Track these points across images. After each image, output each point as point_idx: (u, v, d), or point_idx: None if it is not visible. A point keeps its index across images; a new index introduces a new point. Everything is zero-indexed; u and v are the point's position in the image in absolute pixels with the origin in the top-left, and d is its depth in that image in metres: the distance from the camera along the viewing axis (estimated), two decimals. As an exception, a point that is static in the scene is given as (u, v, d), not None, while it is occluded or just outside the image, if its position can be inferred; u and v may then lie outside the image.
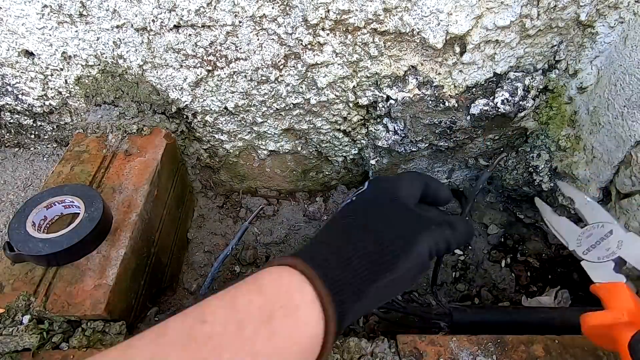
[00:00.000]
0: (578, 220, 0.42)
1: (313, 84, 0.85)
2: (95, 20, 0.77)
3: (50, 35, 0.80)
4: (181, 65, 0.83)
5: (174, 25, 0.76)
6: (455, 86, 0.82)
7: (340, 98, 0.88)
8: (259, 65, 0.82)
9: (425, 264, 0.46)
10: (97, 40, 0.81)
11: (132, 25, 0.77)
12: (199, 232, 1.07)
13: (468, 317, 0.75)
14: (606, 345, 0.38)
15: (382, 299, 0.45)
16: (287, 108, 0.91)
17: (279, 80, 0.85)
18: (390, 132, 0.94)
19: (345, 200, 0.53)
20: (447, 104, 0.84)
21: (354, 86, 0.86)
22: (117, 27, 0.78)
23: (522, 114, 0.84)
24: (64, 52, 0.84)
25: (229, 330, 0.33)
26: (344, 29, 0.75)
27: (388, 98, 0.87)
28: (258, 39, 0.78)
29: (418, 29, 0.74)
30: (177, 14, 0.74)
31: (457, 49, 0.77)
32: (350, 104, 0.90)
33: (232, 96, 0.89)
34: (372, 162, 1.03)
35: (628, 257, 0.40)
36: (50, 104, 0.96)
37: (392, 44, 0.78)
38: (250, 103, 0.90)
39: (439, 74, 0.82)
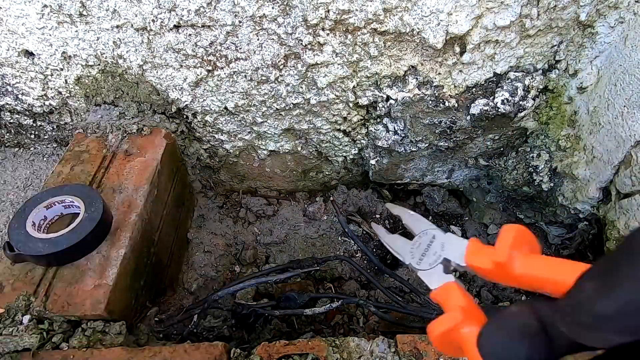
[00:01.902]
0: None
1: (313, 84, 0.85)
2: (95, 20, 0.77)
3: (50, 35, 0.80)
4: (181, 65, 0.83)
5: (174, 25, 0.76)
6: (455, 86, 0.82)
7: (340, 98, 0.88)
8: (259, 65, 0.82)
9: None
10: (97, 40, 0.81)
11: (132, 25, 0.77)
12: (199, 232, 1.07)
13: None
14: (458, 353, 0.37)
15: None
16: (287, 108, 0.91)
17: (279, 80, 0.85)
18: (390, 132, 0.94)
19: None
20: (447, 104, 0.84)
21: (354, 86, 0.86)
22: (117, 27, 0.78)
23: (522, 114, 0.84)
24: (64, 52, 0.84)
25: None
26: (344, 29, 0.75)
27: (388, 98, 0.87)
28: (258, 39, 0.78)
29: (418, 29, 0.74)
30: (177, 14, 0.74)
31: (457, 49, 0.77)
32: (350, 104, 0.90)
33: (232, 96, 0.89)
34: (372, 162, 1.03)
35: (450, 256, 0.42)
36: (50, 104, 0.96)
37: (392, 44, 0.78)
38: (250, 103, 0.90)
39: (439, 74, 0.82)
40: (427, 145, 0.94)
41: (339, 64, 0.81)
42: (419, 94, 0.84)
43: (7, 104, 0.98)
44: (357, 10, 0.71)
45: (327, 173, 1.15)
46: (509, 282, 0.33)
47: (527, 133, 0.92)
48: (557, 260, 0.30)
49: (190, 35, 0.77)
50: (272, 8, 0.72)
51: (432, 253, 0.46)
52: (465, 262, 0.38)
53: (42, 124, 1.04)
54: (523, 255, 0.33)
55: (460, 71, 0.80)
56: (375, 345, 0.61)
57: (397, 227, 1.18)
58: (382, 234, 0.54)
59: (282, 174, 1.14)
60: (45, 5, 0.75)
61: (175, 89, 0.88)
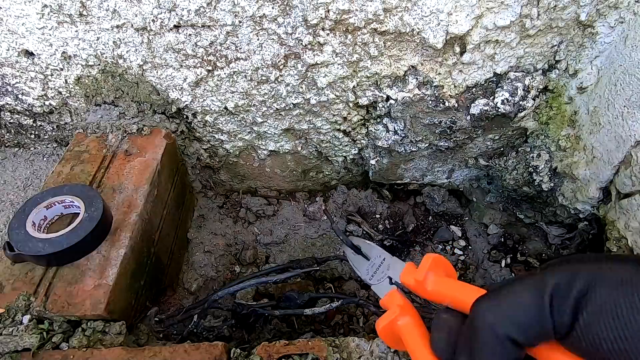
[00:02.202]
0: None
1: (313, 84, 0.85)
2: (95, 20, 0.77)
3: (50, 35, 0.80)
4: (181, 65, 0.83)
5: (174, 25, 0.76)
6: (455, 86, 0.82)
7: (340, 98, 0.88)
8: (259, 65, 0.82)
9: None
10: (97, 40, 0.81)
11: (132, 25, 0.77)
12: (199, 232, 1.07)
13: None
14: (397, 344, 0.49)
15: None
16: (287, 108, 0.91)
17: (279, 80, 0.85)
18: (390, 132, 0.94)
19: None
20: (447, 104, 0.84)
21: (354, 86, 0.86)
22: (117, 27, 0.78)
23: (522, 114, 0.84)
24: (64, 52, 0.84)
25: None
26: (344, 29, 0.75)
27: (388, 98, 0.87)
28: (258, 39, 0.78)
29: (418, 29, 0.74)
30: (177, 14, 0.74)
31: (457, 49, 0.77)
32: (350, 104, 0.90)
33: (232, 96, 0.89)
34: (372, 162, 1.03)
35: (392, 275, 0.58)
36: (50, 104, 0.96)
37: (392, 44, 0.78)
38: (250, 103, 0.90)
39: (439, 74, 0.82)
40: (427, 145, 0.94)
41: (339, 64, 0.81)
42: (419, 94, 0.84)
43: (7, 104, 0.98)
44: (357, 10, 0.71)
45: (327, 173, 1.15)
46: (425, 296, 0.45)
47: (527, 133, 0.92)
48: (461, 284, 0.42)
49: (190, 35, 0.77)
50: (272, 8, 0.72)
51: (381, 271, 0.61)
52: (400, 280, 0.50)
53: (42, 124, 1.04)
54: (436, 277, 0.45)
55: (461, 71, 0.80)
56: (375, 345, 0.61)
57: (397, 227, 1.18)
58: (348, 254, 0.68)
59: (282, 174, 1.14)
60: (45, 5, 0.75)
61: (175, 89, 0.88)
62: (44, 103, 0.96)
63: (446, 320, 0.40)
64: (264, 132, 0.98)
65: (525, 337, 0.32)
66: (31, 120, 1.03)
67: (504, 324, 0.33)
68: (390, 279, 0.58)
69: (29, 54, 0.86)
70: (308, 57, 0.79)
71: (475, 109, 0.83)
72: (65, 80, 0.90)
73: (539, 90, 0.82)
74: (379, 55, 0.79)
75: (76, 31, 0.79)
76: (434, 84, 0.83)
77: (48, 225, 0.72)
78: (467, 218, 1.19)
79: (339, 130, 0.97)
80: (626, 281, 0.29)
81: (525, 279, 0.34)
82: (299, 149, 1.04)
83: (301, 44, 0.77)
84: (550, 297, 0.31)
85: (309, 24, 0.74)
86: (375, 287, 0.60)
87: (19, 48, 0.84)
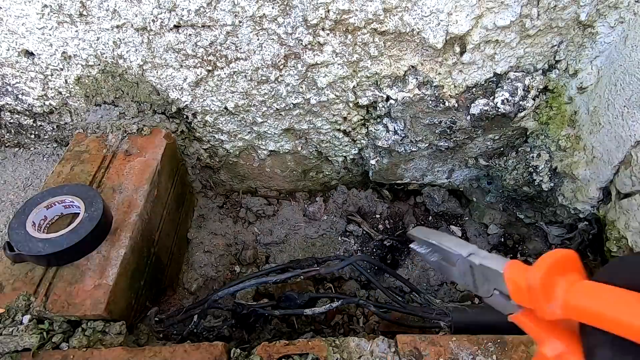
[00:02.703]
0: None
1: (313, 84, 0.85)
2: (95, 20, 0.77)
3: (50, 35, 0.80)
4: (181, 65, 0.83)
5: (174, 25, 0.76)
6: (455, 86, 0.82)
7: (340, 98, 0.88)
8: (259, 65, 0.82)
9: None
10: (97, 40, 0.81)
11: (132, 25, 0.77)
12: (199, 232, 1.07)
13: (468, 317, 0.75)
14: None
15: None
16: (287, 108, 0.91)
17: (279, 80, 0.85)
18: (391, 132, 0.94)
19: None
20: (447, 104, 0.84)
21: (354, 86, 0.86)
22: (117, 27, 0.78)
23: (522, 114, 0.84)
24: (64, 52, 0.84)
25: None
26: (344, 29, 0.75)
27: (388, 98, 0.87)
28: (258, 39, 0.78)
29: (418, 29, 0.74)
30: (177, 14, 0.74)
31: (457, 49, 0.77)
32: (350, 104, 0.90)
33: (232, 96, 0.89)
34: (372, 162, 1.03)
35: (496, 283, 0.41)
36: (50, 104, 0.96)
37: (392, 44, 0.78)
38: (250, 103, 0.90)
39: (439, 74, 0.82)
40: (427, 145, 0.94)
41: (339, 64, 0.81)
42: (419, 94, 0.84)
43: (7, 104, 0.98)
44: (357, 10, 0.71)
45: (327, 173, 1.15)
46: (552, 314, 0.31)
47: (527, 133, 0.92)
48: (620, 293, 0.26)
49: (190, 35, 0.77)
50: (272, 8, 0.72)
51: (479, 277, 0.43)
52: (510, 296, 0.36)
53: (42, 124, 1.04)
54: (568, 284, 0.30)
55: (461, 71, 0.80)
56: (375, 345, 0.61)
57: (397, 227, 1.18)
58: (428, 259, 0.51)
59: (282, 174, 1.14)
60: (45, 5, 0.75)
61: (175, 89, 0.88)
62: (44, 103, 0.96)
63: None
64: (264, 132, 0.98)
65: None
66: (31, 120, 1.03)
67: None
68: (500, 292, 0.41)
69: (29, 54, 0.86)
70: (308, 57, 0.79)
71: (475, 109, 0.83)
72: (65, 80, 0.90)
73: (539, 90, 0.82)
74: (379, 55, 0.79)
75: (76, 31, 0.79)
76: (434, 84, 0.83)
77: (48, 225, 0.72)
78: (467, 218, 1.19)
79: (339, 130, 0.97)
80: None
81: None
82: (299, 149, 1.04)
83: (301, 44, 0.77)
84: None
85: (309, 24, 0.74)
86: (489, 300, 0.44)
87: (19, 48, 0.84)
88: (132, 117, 0.91)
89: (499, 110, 0.82)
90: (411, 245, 0.54)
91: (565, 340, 0.32)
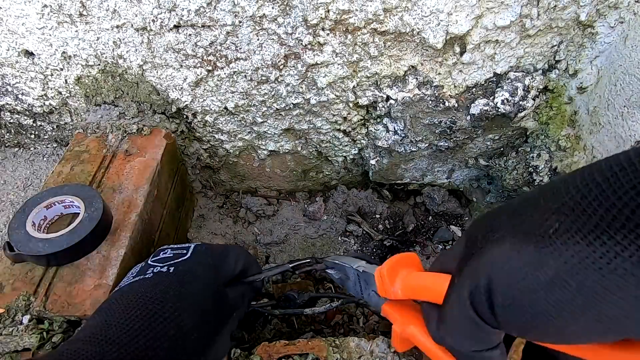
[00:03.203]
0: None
1: (313, 84, 0.85)
2: (95, 20, 0.77)
3: (50, 35, 0.80)
4: (181, 65, 0.83)
5: (174, 25, 0.76)
6: (455, 86, 0.82)
7: (340, 98, 0.88)
8: (259, 65, 0.82)
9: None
10: (97, 40, 0.81)
11: (132, 25, 0.77)
12: (199, 232, 1.07)
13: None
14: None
15: None
16: (287, 108, 0.91)
17: (279, 80, 0.85)
18: (390, 132, 0.94)
19: (157, 265, 0.56)
20: (447, 104, 0.84)
21: (354, 86, 0.86)
22: (117, 27, 0.78)
23: (522, 114, 0.84)
24: (64, 52, 0.84)
25: None
26: (344, 29, 0.75)
27: (388, 98, 0.87)
28: (258, 39, 0.78)
29: (418, 29, 0.74)
30: (177, 14, 0.74)
31: (457, 49, 0.77)
32: (350, 104, 0.90)
33: (232, 96, 0.89)
34: (372, 162, 1.03)
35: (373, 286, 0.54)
36: (50, 104, 0.96)
37: (392, 44, 0.78)
38: (250, 103, 0.90)
39: (439, 74, 0.82)
40: (427, 145, 0.94)
41: (339, 64, 0.81)
42: (419, 94, 0.84)
43: (7, 104, 0.98)
44: (357, 10, 0.71)
45: (327, 173, 1.15)
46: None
47: (527, 133, 0.92)
48: (428, 274, 0.40)
49: (190, 35, 0.77)
50: (272, 8, 0.72)
51: (364, 285, 0.55)
52: (380, 294, 0.48)
53: (42, 124, 1.04)
54: (403, 280, 0.43)
55: (460, 71, 0.80)
56: (375, 345, 0.61)
57: (396, 227, 1.18)
58: (334, 277, 0.63)
59: (282, 174, 1.14)
60: (45, 5, 0.75)
61: (175, 89, 0.88)
62: (44, 103, 0.96)
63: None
64: (264, 132, 0.98)
65: (479, 345, 0.36)
66: (31, 120, 1.03)
67: (456, 342, 0.37)
68: (374, 291, 0.54)
69: (29, 54, 0.86)
70: (308, 57, 0.79)
71: (475, 109, 0.83)
72: (65, 80, 0.90)
73: (539, 90, 0.82)
74: (379, 55, 0.79)
75: (76, 31, 0.79)
76: (434, 84, 0.83)
77: (48, 225, 0.72)
78: (467, 218, 1.19)
79: (339, 130, 0.97)
80: (518, 268, 0.30)
81: (452, 292, 0.36)
82: (299, 149, 1.04)
83: (301, 44, 0.77)
84: (472, 307, 0.33)
85: (309, 24, 0.74)
86: (368, 299, 0.57)
87: (19, 48, 0.84)
88: (132, 117, 0.91)
89: (499, 110, 0.82)
90: (327, 270, 0.64)
91: (411, 318, 0.46)
